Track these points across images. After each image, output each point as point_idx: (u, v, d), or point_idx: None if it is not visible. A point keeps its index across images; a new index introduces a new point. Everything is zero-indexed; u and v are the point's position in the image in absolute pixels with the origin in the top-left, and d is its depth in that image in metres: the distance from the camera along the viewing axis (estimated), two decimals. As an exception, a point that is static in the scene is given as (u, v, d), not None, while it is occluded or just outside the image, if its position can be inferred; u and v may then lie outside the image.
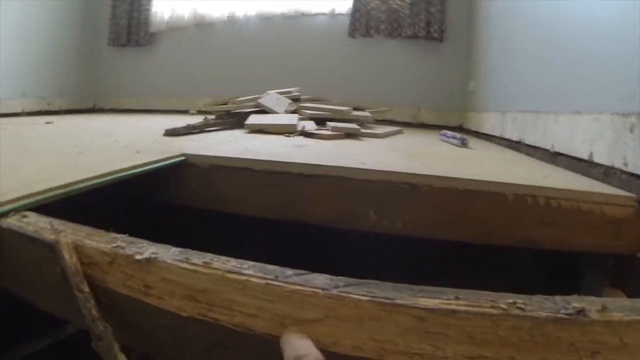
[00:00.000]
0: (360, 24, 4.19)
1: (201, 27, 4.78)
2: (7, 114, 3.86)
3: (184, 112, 4.62)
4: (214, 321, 0.63)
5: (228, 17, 4.65)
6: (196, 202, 1.49)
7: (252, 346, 0.63)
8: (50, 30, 4.48)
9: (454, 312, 0.57)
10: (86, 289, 0.69)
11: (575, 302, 0.59)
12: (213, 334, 0.65)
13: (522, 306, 0.57)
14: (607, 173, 1.47)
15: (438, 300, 0.58)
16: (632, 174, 1.32)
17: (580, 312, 0.57)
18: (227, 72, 4.64)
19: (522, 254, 1.38)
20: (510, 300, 0.58)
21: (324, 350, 0.58)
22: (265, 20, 4.56)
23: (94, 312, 0.68)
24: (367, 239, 1.44)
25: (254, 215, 1.45)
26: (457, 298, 0.58)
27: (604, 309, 0.58)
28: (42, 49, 4.38)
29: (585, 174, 1.59)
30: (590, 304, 0.59)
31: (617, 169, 1.41)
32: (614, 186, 1.39)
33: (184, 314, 0.65)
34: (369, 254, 1.63)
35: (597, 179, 1.49)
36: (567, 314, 0.56)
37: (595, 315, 0.57)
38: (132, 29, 4.92)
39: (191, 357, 0.71)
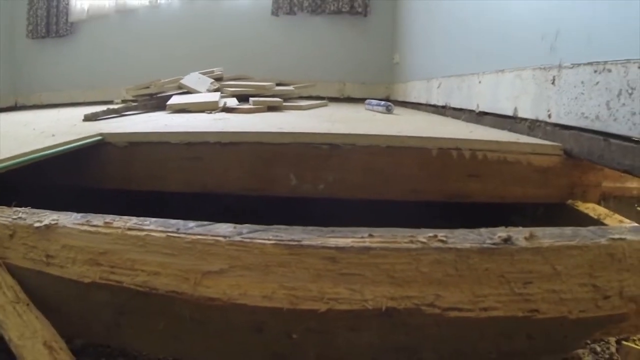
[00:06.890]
0: (284, 1, 4.11)
1: (123, 14, 4.56)
2: None
3: (109, 102, 4.41)
4: (117, 284, 0.60)
5: (150, 2, 4.47)
6: (115, 183, 1.41)
7: (158, 307, 0.58)
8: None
9: (367, 249, 0.50)
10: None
11: (501, 232, 0.53)
12: (118, 299, 0.61)
13: (444, 239, 0.50)
14: (532, 126, 1.47)
15: (350, 240, 0.51)
16: (556, 125, 1.32)
17: (507, 240, 0.51)
18: (151, 59, 4.46)
19: (456, 213, 1.35)
20: (431, 234, 0.51)
21: (232, 304, 0.53)
22: (188, 2, 4.41)
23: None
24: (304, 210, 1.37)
25: (174, 191, 1.38)
26: (371, 235, 0.51)
27: (532, 236, 0.53)
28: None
29: (512, 129, 1.59)
30: (517, 233, 0.53)
31: (541, 121, 1.41)
32: (540, 138, 1.38)
33: (87, 280, 0.61)
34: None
35: (523, 133, 1.49)
36: (493, 244, 0.50)
37: (523, 243, 0.51)
38: (51, 19, 4.62)
39: (100, 329, 0.67)
